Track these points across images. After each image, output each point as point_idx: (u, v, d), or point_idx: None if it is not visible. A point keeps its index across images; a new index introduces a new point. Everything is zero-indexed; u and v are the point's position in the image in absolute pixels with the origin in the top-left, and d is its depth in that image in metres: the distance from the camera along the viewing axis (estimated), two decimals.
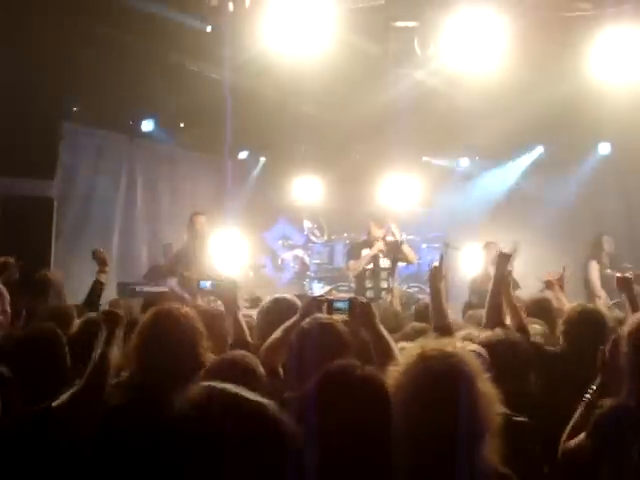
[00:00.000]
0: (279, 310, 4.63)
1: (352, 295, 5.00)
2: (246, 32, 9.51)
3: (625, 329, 3.51)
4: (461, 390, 2.45)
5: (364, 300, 3.98)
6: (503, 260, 5.29)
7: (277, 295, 4.98)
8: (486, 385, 2.54)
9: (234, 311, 4.63)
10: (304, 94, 11.86)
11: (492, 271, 5.67)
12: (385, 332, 3.76)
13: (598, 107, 10.44)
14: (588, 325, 4.78)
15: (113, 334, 3.65)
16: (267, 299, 4.96)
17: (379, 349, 3.64)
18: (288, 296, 4.94)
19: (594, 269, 11.37)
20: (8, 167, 9.17)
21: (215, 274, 8.13)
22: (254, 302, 7.15)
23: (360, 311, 3.81)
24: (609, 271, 10.95)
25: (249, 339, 4.54)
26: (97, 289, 6.60)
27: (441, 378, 2.48)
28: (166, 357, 3.54)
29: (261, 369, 3.73)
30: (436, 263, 5.33)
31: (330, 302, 4.04)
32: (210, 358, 3.69)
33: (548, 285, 6.78)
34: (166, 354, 3.55)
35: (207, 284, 4.81)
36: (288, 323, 4.13)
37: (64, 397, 3.46)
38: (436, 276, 5.22)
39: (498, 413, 2.56)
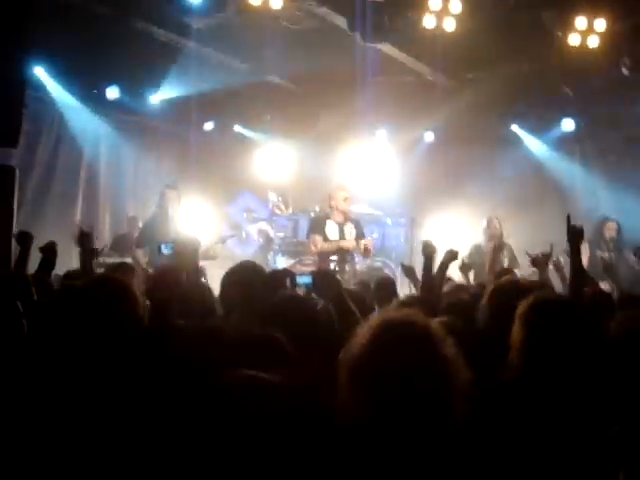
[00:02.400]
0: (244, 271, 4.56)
1: (314, 269, 4.88)
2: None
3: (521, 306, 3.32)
4: (424, 355, 2.42)
5: (327, 270, 3.95)
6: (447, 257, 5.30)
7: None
8: (451, 350, 2.48)
9: (193, 275, 4.41)
10: (267, 63, 11.86)
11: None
12: (351, 304, 3.72)
13: None
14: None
15: None
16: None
17: (345, 321, 3.61)
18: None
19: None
20: None
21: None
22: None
23: (324, 283, 3.74)
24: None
25: (215, 306, 4.31)
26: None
27: (403, 344, 2.43)
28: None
29: None
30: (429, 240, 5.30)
31: (292, 277, 3.98)
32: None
33: (535, 263, 6.71)
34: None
35: (167, 248, 4.60)
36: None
37: None
38: (430, 247, 5.18)
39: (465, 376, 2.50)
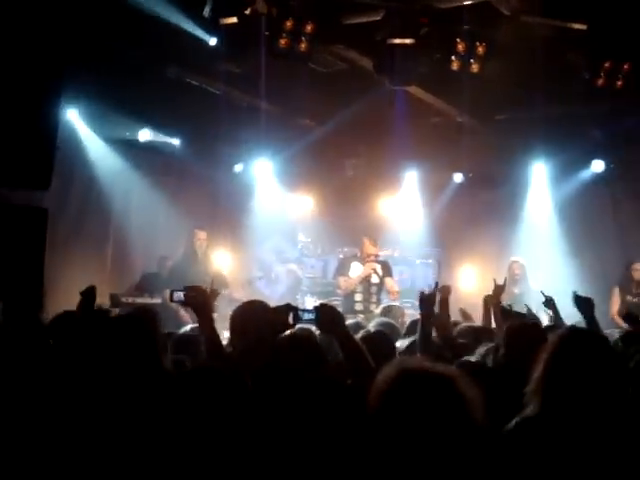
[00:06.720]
0: (252, 309, 4.58)
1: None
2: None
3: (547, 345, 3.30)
4: (447, 405, 2.41)
5: (330, 304, 3.95)
6: (428, 300, 5.20)
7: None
8: (475, 398, 2.47)
9: (205, 320, 4.32)
10: (295, 106, 11.99)
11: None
12: (355, 339, 3.70)
13: None
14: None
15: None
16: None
17: (349, 356, 3.60)
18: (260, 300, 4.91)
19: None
20: (2, 177, 9.14)
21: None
22: None
23: (327, 316, 3.68)
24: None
25: (223, 350, 4.31)
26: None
27: (426, 395, 2.42)
28: None
29: None
30: (427, 290, 5.30)
31: (296, 312, 3.87)
32: None
33: (547, 305, 6.81)
34: None
35: (178, 297, 4.55)
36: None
37: None
38: (429, 301, 5.18)
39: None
